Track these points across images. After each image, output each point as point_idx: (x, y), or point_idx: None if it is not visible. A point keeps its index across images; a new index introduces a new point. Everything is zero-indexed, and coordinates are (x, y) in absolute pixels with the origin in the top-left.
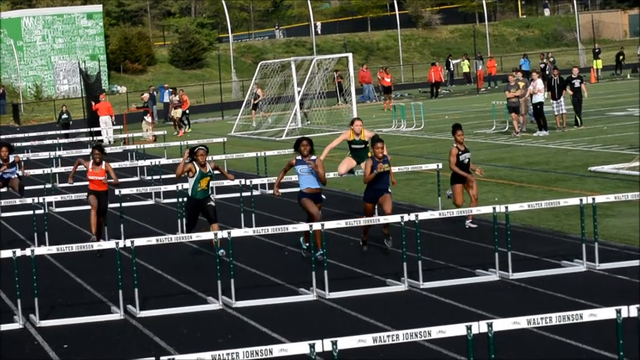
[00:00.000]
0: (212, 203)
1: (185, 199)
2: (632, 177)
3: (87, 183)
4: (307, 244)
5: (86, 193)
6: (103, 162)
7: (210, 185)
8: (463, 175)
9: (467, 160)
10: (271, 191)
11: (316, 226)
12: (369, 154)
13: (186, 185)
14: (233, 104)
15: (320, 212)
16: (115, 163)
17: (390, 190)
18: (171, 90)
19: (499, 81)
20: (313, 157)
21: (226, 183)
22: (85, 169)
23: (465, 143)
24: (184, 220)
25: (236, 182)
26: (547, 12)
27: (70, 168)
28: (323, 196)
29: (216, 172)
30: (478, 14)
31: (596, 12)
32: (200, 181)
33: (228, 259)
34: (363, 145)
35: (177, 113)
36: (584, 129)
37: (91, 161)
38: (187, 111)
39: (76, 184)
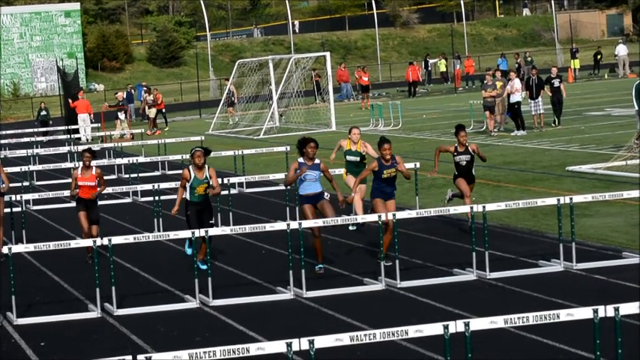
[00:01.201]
0: (212, 222)
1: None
2: (609, 177)
3: (68, 181)
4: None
5: (75, 205)
6: (93, 167)
7: None
8: (461, 184)
9: (464, 162)
10: (249, 190)
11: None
12: (380, 159)
13: (163, 185)
14: (211, 103)
15: (331, 207)
16: (93, 161)
17: (394, 196)
18: (145, 89)
19: (477, 80)
20: (317, 161)
21: None
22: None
23: (469, 144)
24: (188, 224)
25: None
26: (526, 12)
27: (48, 166)
28: (326, 194)
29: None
30: (456, 14)
31: (573, 12)
32: (196, 188)
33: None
34: (358, 158)
35: (151, 113)
36: (562, 129)
37: (80, 166)
38: (164, 110)
39: (55, 181)
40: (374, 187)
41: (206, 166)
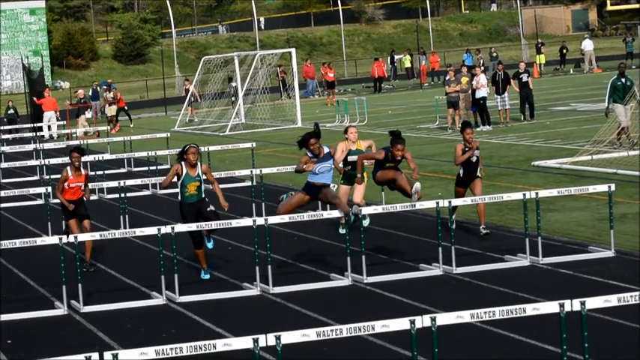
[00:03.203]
0: (211, 208)
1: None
2: (575, 171)
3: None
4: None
5: (62, 210)
6: (82, 168)
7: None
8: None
9: (475, 158)
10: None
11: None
12: (389, 153)
13: (129, 182)
14: (176, 99)
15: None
16: (58, 159)
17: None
18: (105, 87)
19: (442, 76)
20: (327, 150)
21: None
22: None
23: (474, 142)
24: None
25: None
26: (494, 7)
27: (14, 164)
28: (333, 185)
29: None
30: (421, 9)
31: (538, 7)
32: (187, 186)
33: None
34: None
35: (111, 110)
36: (527, 124)
37: (69, 167)
38: (126, 107)
39: (21, 179)
40: (375, 171)
41: (199, 164)
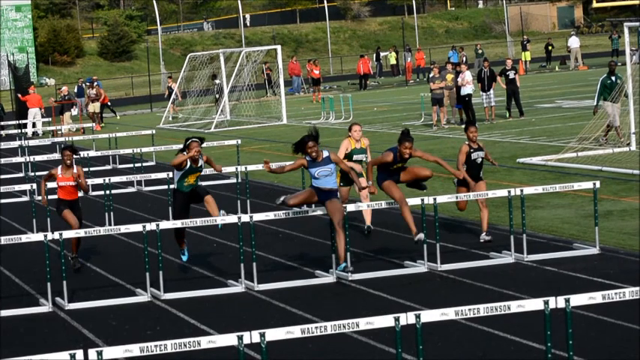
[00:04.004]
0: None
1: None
2: (560, 168)
3: (18, 175)
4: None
5: (57, 206)
6: (74, 165)
7: (152, 177)
8: (467, 180)
9: (480, 159)
10: (200, 183)
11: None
12: (397, 153)
13: (114, 179)
14: (162, 96)
15: (341, 207)
16: (43, 156)
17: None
18: (88, 84)
19: (427, 73)
20: (326, 154)
21: (154, 176)
22: (54, 179)
23: (478, 141)
24: (172, 212)
25: (164, 175)
26: (481, 4)
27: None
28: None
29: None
30: (407, 6)
31: (524, 4)
32: (188, 177)
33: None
34: (364, 155)
35: (94, 107)
36: (512, 121)
37: (60, 165)
38: (109, 103)
39: (6, 176)
40: (381, 178)
41: (200, 157)
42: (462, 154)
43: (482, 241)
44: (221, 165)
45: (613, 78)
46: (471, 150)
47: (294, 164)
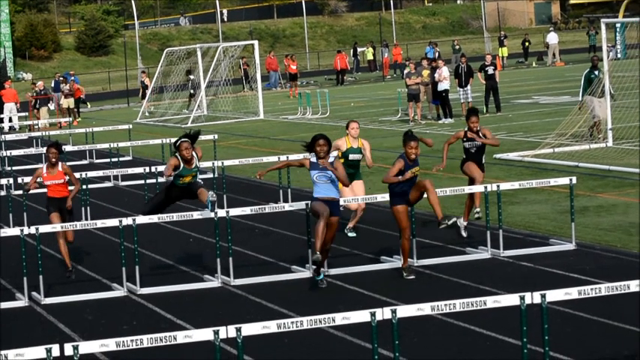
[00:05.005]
0: (201, 182)
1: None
2: (537, 164)
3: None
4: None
5: (46, 206)
6: (60, 163)
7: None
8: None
9: (474, 149)
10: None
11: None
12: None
13: (91, 174)
14: (139, 91)
15: (334, 233)
16: (20, 150)
17: None
18: (62, 79)
19: (402, 69)
20: (331, 158)
21: (130, 171)
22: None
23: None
24: (152, 199)
25: (140, 169)
26: (458, 0)
27: None
28: (341, 207)
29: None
30: (384, 2)
31: (501, 0)
32: (183, 177)
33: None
34: (361, 156)
35: (68, 103)
36: (489, 116)
37: (45, 163)
38: (83, 96)
39: None
40: (394, 191)
41: (194, 155)
42: (453, 137)
43: (475, 217)
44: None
45: (596, 72)
46: (464, 139)
47: (295, 160)
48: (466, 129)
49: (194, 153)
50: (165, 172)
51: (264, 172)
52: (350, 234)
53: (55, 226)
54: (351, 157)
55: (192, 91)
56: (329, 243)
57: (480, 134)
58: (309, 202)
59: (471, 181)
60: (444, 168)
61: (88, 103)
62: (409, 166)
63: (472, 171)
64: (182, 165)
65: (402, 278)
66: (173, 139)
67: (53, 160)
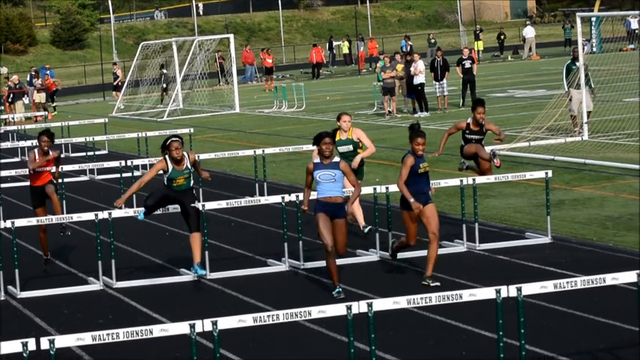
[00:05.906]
0: (195, 205)
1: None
2: (512, 158)
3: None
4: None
5: (32, 201)
6: (50, 152)
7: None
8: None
9: (474, 140)
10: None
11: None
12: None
13: (67, 167)
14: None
15: (345, 236)
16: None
17: (431, 198)
18: (34, 73)
19: (376, 63)
20: (336, 160)
21: (106, 165)
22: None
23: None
24: (146, 201)
25: (116, 163)
26: None
27: None
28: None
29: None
30: None
31: None
32: (175, 179)
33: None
34: (351, 147)
35: (40, 97)
36: (465, 110)
37: (37, 150)
38: (59, 88)
39: None
40: (403, 197)
41: (185, 155)
42: (454, 127)
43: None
44: (209, 174)
45: (577, 64)
46: (467, 132)
47: (307, 182)
48: (469, 120)
49: (184, 153)
50: (141, 179)
51: (306, 206)
52: (366, 230)
53: (31, 220)
54: (341, 149)
55: (164, 85)
56: (344, 248)
57: (484, 129)
58: (315, 209)
59: (476, 160)
60: (439, 155)
61: (54, 101)
62: (419, 161)
63: (478, 149)
64: (171, 167)
65: (380, 270)
66: (149, 133)
67: (46, 148)
